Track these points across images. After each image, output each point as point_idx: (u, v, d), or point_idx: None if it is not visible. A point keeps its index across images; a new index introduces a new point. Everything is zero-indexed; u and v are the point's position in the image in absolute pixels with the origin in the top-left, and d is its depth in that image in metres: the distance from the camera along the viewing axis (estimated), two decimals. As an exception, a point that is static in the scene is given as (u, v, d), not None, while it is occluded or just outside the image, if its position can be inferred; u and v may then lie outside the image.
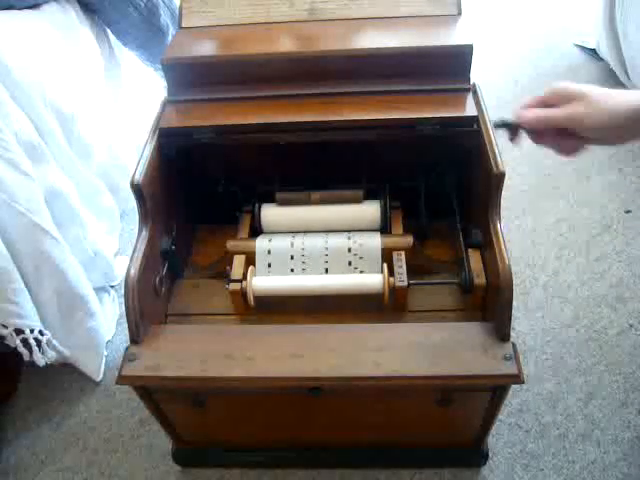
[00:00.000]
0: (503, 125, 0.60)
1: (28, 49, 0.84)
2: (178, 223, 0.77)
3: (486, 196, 0.65)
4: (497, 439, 0.84)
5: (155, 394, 0.67)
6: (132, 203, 0.70)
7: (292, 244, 0.74)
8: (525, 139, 0.60)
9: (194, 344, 0.63)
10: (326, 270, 0.73)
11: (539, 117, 0.57)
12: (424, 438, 0.79)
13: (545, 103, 0.58)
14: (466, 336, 0.61)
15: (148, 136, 0.70)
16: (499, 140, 0.65)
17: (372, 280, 0.69)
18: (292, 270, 0.73)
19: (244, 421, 0.76)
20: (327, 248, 0.73)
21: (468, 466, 0.82)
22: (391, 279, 0.68)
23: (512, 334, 0.61)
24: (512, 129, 0.59)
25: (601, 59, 1.52)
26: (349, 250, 0.73)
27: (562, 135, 0.57)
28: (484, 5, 1.81)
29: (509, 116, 0.60)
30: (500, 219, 0.64)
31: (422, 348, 0.60)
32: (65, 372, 0.96)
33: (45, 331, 0.81)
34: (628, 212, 1.15)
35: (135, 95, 1.22)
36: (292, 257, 0.73)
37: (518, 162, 1.25)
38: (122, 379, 0.61)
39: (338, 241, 0.74)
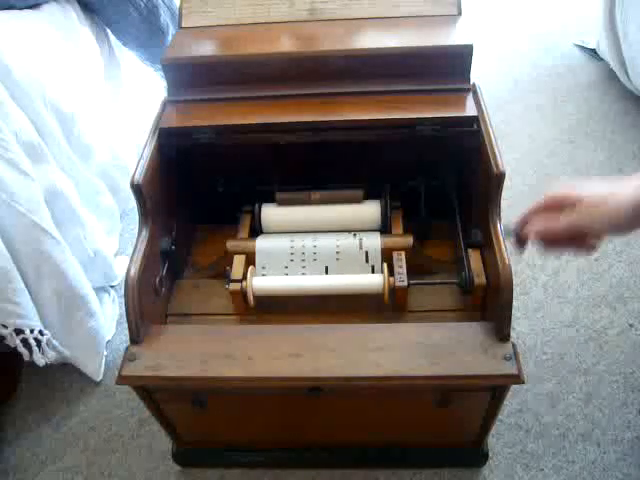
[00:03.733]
0: (507, 233, 0.60)
1: (28, 49, 0.84)
2: (178, 223, 0.77)
3: (486, 196, 0.65)
4: (497, 439, 0.84)
5: (155, 394, 0.67)
6: (132, 203, 0.70)
7: (292, 244, 0.74)
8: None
9: (194, 344, 0.63)
10: (326, 270, 0.73)
11: (544, 233, 0.56)
12: (424, 438, 0.79)
13: (546, 210, 0.57)
14: (466, 336, 0.61)
15: (148, 136, 0.70)
16: (499, 141, 0.65)
17: (372, 280, 0.69)
18: (292, 270, 0.73)
19: (244, 421, 0.76)
20: (327, 248, 0.73)
21: (468, 466, 0.82)
22: (391, 279, 0.68)
23: (512, 334, 0.61)
24: (519, 239, 0.59)
25: (601, 59, 1.52)
26: (349, 250, 0.73)
27: (572, 239, 0.56)
28: (484, 5, 1.81)
29: (514, 220, 0.60)
30: (500, 219, 0.64)
31: (422, 348, 0.60)
32: (65, 372, 0.96)
33: (45, 331, 0.81)
34: (628, 212, 1.15)
35: (135, 95, 1.22)
36: (292, 257, 0.73)
37: (518, 162, 1.25)
38: (122, 379, 0.61)
39: (338, 241, 0.74)
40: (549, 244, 0.58)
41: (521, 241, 0.59)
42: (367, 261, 0.73)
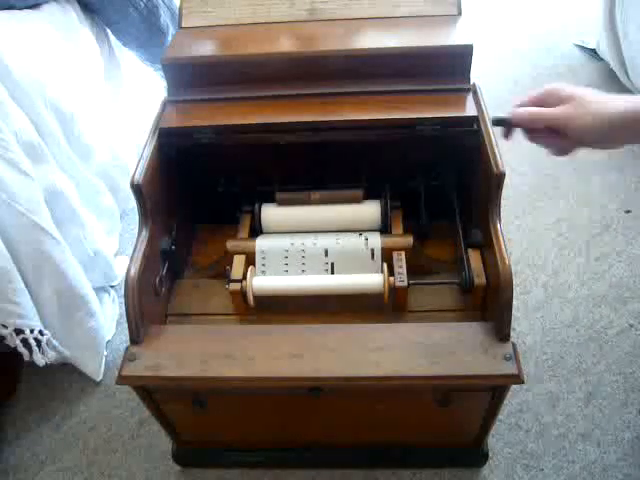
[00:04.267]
0: (498, 122, 0.62)
1: (28, 49, 0.84)
2: (178, 223, 0.77)
3: (486, 196, 0.65)
4: (497, 439, 0.84)
5: (155, 394, 0.67)
6: (132, 203, 0.70)
7: (292, 244, 0.74)
8: (519, 136, 0.62)
9: (194, 344, 0.63)
10: (326, 270, 0.73)
11: (531, 115, 0.59)
12: (424, 438, 0.79)
13: (540, 102, 0.60)
14: (466, 336, 0.61)
15: (148, 136, 0.70)
16: (499, 140, 0.65)
17: (372, 280, 0.69)
18: (292, 270, 0.73)
19: (244, 421, 0.76)
20: (327, 248, 0.73)
21: (468, 466, 0.82)
22: (391, 279, 0.68)
23: (512, 334, 0.61)
24: (507, 126, 0.61)
25: (601, 59, 1.52)
26: (349, 250, 0.73)
27: (554, 135, 0.59)
28: (484, 5, 1.81)
29: (506, 114, 0.62)
30: (500, 219, 0.64)
31: (422, 348, 0.60)
32: (65, 372, 0.96)
33: (45, 331, 0.81)
34: (628, 212, 1.15)
35: (135, 95, 1.22)
36: (292, 257, 0.73)
37: (518, 162, 1.25)
38: (122, 379, 0.61)
39: (338, 241, 0.74)
40: (532, 133, 0.61)
41: (508, 127, 0.62)
42: (366, 260, 0.73)
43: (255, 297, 0.70)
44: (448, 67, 0.71)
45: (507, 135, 0.63)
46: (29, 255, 0.78)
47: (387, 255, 0.72)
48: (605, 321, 0.97)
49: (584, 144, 0.58)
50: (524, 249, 1.10)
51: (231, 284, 0.70)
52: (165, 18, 1.11)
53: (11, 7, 0.89)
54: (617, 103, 0.54)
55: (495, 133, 0.66)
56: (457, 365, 0.59)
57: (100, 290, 1.01)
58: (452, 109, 0.70)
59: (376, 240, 0.73)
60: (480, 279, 0.68)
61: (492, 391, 0.64)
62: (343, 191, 0.78)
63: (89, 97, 0.99)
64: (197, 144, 0.70)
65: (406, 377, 0.59)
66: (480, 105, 0.69)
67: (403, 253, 0.72)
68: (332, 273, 0.73)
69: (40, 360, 0.82)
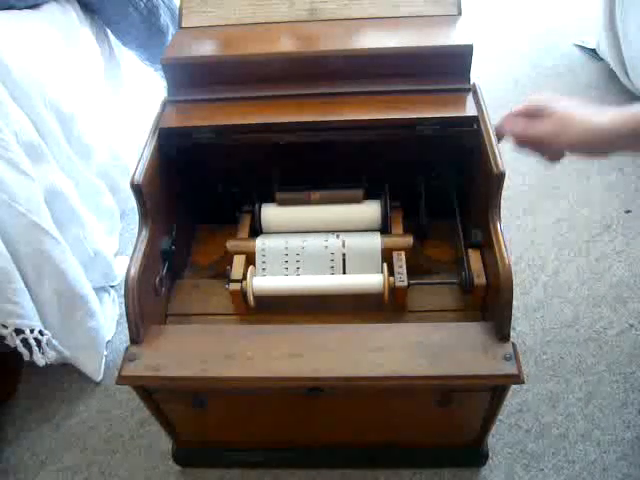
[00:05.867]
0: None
1: (28, 49, 0.84)
2: (178, 223, 0.77)
3: (486, 196, 0.65)
4: (497, 439, 0.84)
5: (155, 394, 0.67)
6: (132, 203, 0.70)
7: (292, 244, 0.74)
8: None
9: (194, 344, 0.63)
10: (326, 270, 0.73)
11: (517, 133, 0.63)
12: (424, 438, 0.79)
13: (527, 114, 0.62)
14: (466, 336, 0.61)
15: (148, 136, 0.70)
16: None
17: (372, 280, 0.69)
18: (292, 270, 0.73)
19: (244, 421, 0.76)
20: (327, 248, 0.73)
21: (468, 466, 0.82)
22: (391, 279, 0.68)
23: (512, 334, 0.61)
24: (498, 134, 0.65)
25: (601, 59, 1.52)
26: (349, 250, 0.73)
27: (542, 145, 0.62)
28: (484, 5, 1.81)
29: (498, 118, 0.66)
30: (500, 219, 0.64)
31: (422, 348, 0.60)
32: (65, 372, 0.96)
33: (45, 331, 0.81)
34: (628, 212, 1.15)
35: (135, 95, 1.22)
36: (292, 257, 0.73)
37: (518, 162, 1.25)
38: (122, 379, 0.61)
39: (338, 241, 0.74)
40: (521, 144, 0.64)
41: (499, 137, 0.65)
42: (366, 260, 0.73)
43: (255, 297, 0.70)
44: (448, 67, 0.71)
45: (497, 140, 0.65)
46: (29, 255, 0.78)
47: (387, 255, 0.72)
48: (605, 321, 0.97)
49: (574, 154, 0.60)
50: (524, 249, 1.10)
51: (231, 284, 0.70)
52: (165, 18, 1.11)
53: (11, 7, 0.88)
54: (600, 118, 0.55)
55: (495, 133, 0.66)
56: (457, 365, 0.59)
57: (100, 290, 1.01)
58: (452, 109, 0.70)
59: (376, 240, 0.73)
60: (480, 279, 0.68)
61: (492, 391, 0.64)
62: (343, 191, 0.78)
63: (89, 97, 0.99)
64: (197, 144, 0.70)
65: (406, 377, 0.59)
66: (480, 105, 0.69)
67: (403, 253, 0.72)
68: (332, 273, 0.73)
69: (40, 360, 0.82)
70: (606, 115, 0.56)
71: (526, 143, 0.63)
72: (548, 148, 0.62)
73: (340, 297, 0.71)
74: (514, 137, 0.64)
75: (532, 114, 0.62)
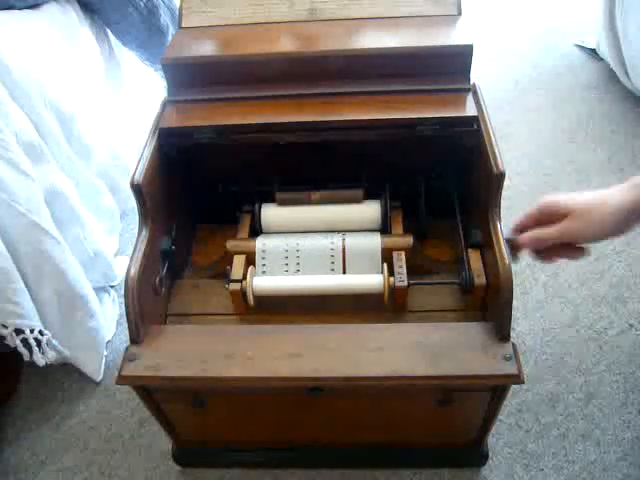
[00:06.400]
0: (506, 244, 0.62)
1: (28, 49, 0.84)
2: (178, 223, 0.77)
3: (486, 196, 0.65)
4: (497, 439, 0.84)
5: (155, 394, 0.67)
6: (132, 203, 0.70)
7: (292, 244, 0.74)
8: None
9: (194, 344, 0.63)
10: (326, 270, 0.73)
11: (537, 240, 0.60)
12: (424, 438, 0.79)
13: (537, 221, 0.61)
14: (466, 336, 0.61)
15: (148, 136, 0.70)
16: (499, 141, 0.65)
17: (372, 280, 0.69)
18: (292, 270, 0.73)
19: (244, 421, 0.76)
20: (327, 248, 0.73)
21: (468, 466, 0.82)
22: (391, 279, 0.68)
23: (512, 334, 0.61)
24: (513, 247, 0.62)
25: (601, 59, 1.52)
26: (349, 250, 0.73)
27: (563, 247, 0.60)
28: (484, 5, 1.81)
29: (510, 235, 0.64)
30: (500, 219, 0.64)
31: (422, 348, 0.60)
32: (65, 372, 0.96)
33: (45, 331, 0.81)
34: (628, 212, 1.15)
35: (135, 95, 1.22)
36: (292, 257, 0.73)
37: (518, 162, 1.25)
38: (122, 379, 0.61)
39: (338, 241, 0.74)
40: (542, 252, 0.62)
41: (515, 249, 0.62)
42: (366, 260, 0.73)
43: (255, 297, 0.70)
44: (448, 67, 0.71)
45: (515, 256, 0.63)
46: (29, 255, 0.78)
47: (387, 255, 0.72)
48: (605, 321, 0.97)
49: (598, 242, 0.60)
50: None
51: (231, 284, 0.70)
52: (165, 18, 1.11)
53: (11, 7, 0.88)
54: (613, 203, 0.56)
55: (495, 133, 0.66)
56: (457, 365, 0.59)
57: (100, 290, 1.01)
58: (452, 109, 0.70)
59: (376, 240, 0.73)
60: (480, 279, 0.68)
61: (492, 391, 0.64)
62: (343, 191, 0.78)
63: (89, 97, 0.99)
64: (197, 144, 0.70)
65: (406, 377, 0.59)
66: (480, 105, 0.69)
67: (403, 253, 0.72)
68: (332, 273, 0.73)
69: (40, 360, 0.82)
70: (620, 195, 0.56)
71: (548, 249, 0.61)
72: (572, 247, 0.61)
73: (340, 297, 0.71)
74: (534, 245, 0.61)
75: (543, 218, 0.60)
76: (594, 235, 0.58)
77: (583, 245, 0.61)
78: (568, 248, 0.61)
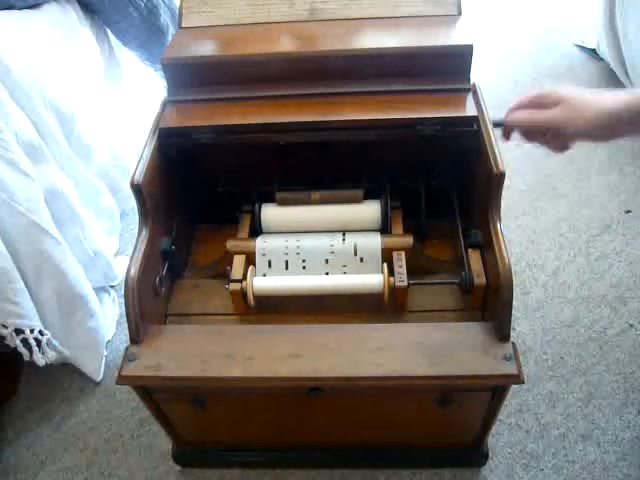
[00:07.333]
0: (495, 125, 0.64)
1: (28, 49, 0.84)
2: (178, 223, 0.77)
3: (486, 196, 0.65)
4: (497, 439, 0.84)
5: (155, 394, 0.67)
6: (132, 203, 0.70)
7: (292, 244, 0.74)
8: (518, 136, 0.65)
9: (194, 344, 0.63)
10: (326, 270, 0.73)
11: (526, 119, 0.62)
12: (424, 438, 0.79)
13: (534, 104, 0.62)
14: (466, 336, 0.61)
15: (148, 136, 0.70)
16: (499, 141, 0.65)
17: (372, 280, 0.69)
18: (292, 270, 0.73)
19: (244, 421, 0.76)
20: (327, 248, 0.73)
21: (468, 466, 0.82)
22: (391, 279, 0.68)
23: (512, 334, 0.61)
24: (504, 128, 0.64)
25: (601, 59, 1.52)
26: (349, 250, 0.73)
27: (550, 134, 0.62)
28: (484, 5, 1.81)
29: (503, 115, 0.65)
30: (500, 219, 0.64)
31: (422, 348, 0.60)
32: (65, 372, 0.96)
33: (45, 331, 0.81)
34: (628, 212, 1.15)
35: (135, 95, 1.22)
36: (292, 257, 0.73)
37: (518, 162, 1.25)
38: (122, 379, 0.61)
39: (338, 241, 0.74)
40: (529, 135, 0.64)
41: (507, 131, 0.65)
42: (366, 260, 0.73)
43: (255, 297, 0.70)
44: (448, 67, 0.71)
45: (505, 137, 0.65)
46: (29, 255, 0.78)
47: (387, 255, 0.72)
48: (605, 321, 0.97)
49: (582, 140, 0.60)
50: (524, 249, 1.10)
51: (231, 284, 0.70)
52: (165, 18, 1.11)
53: (11, 7, 0.89)
54: (611, 99, 0.56)
55: (495, 133, 0.66)
56: (457, 365, 0.59)
57: (100, 290, 1.01)
58: (452, 109, 0.70)
59: (376, 240, 0.73)
60: (480, 279, 0.68)
61: (492, 391, 0.64)
62: (343, 191, 0.78)
63: (89, 97, 0.99)
64: (197, 144, 0.70)
65: (406, 377, 0.59)
66: (480, 105, 0.69)
67: (403, 253, 0.71)
68: (332, 273, 0.73)
69: (40, 360, 0.82)
70: (614, 96, 0.56)
71: (535, 132, 0.63)
72: (557, 136, 0.62)
73: (340, 297, 0.71)
74: (522, 126, 0.63)
75: (538, 103, 0.62)
76: (577, 129, 0.58)
77: (567, 138, 0.62)
78: (552, 137, 0.62)
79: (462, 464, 0.82)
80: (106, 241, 1.02)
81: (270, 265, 0.74)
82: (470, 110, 0.69)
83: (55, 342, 0.84)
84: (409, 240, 0.73)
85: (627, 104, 0.55)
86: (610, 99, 0.56)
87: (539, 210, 1.17)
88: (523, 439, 0.84)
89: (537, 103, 0.62)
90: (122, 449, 0.88)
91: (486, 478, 0.81)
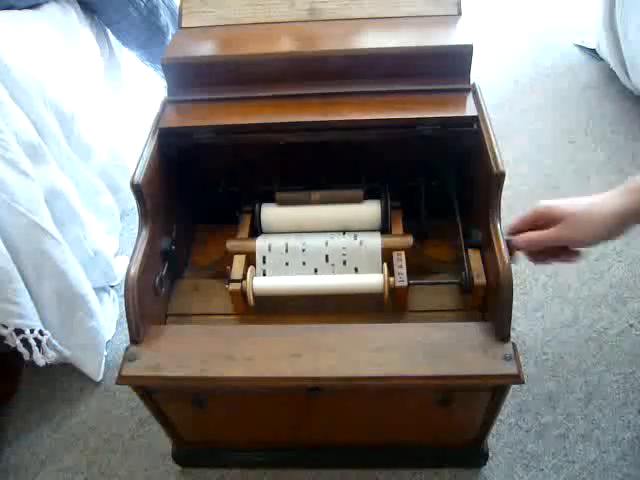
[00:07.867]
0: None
1: (28, 49, 0.84)
2: (178, 223, 0.77)
3: (486, 196, 0.65)
4: (497, 439, 0.84)
5: (155, 394, 0.67)
6: (132, 203, 0.70)
7: (292, 244, 0.74)
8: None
9: (194, 344, 0.63)
10: (326, 270, 0.73)
11: (531, 241, 0.62)
12: (424, 438, 0.79)
13: (533, 225, 0.62)
14: (466, 336, 0.61)
15: (148, 136, 0.70)
16: (499, 141, 0.65)
17: (372, 280, 0.69)
18: (292, 270, 0.73)
19: (244, 421, 0.76)
20: (327, 248, 0.73)
21: (468, 466, 0.82)
22: (391, 279, 0.68)
23: (512, 334, 0.61)
24: (509, 249, 0.62)
25: (601, 59, 1.52)
26: (349, 250, 0.73)
27: (558, 250, 0.62)
28: (484, 5, 1.81)
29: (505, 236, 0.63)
30: (500, 219, 0.64)
31: (422, 348, 0.60)
32: (65, 372, 0.96)
33: (45, 331, 0.81)
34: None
35: (135, 95, 1.22)
36: (292, 257, 0.73)
37: (518, 162, 1.25)
38: (122, 379, 0.61)
39: (338, 241, 0.74)
40: (536, 255, 0.64)
41: (511, 250, 0.63)
42: (366, 260, 0.73)
43: (255, 297, 0.70)
44: (448, 67, 0.71)
45: (511, 257, 0.63)
46: (29, 255, 0.78)
47: (387, 255, 0.72)
48: (605, 321, 0.97)
49: (592, 246, 0.61)
50: (524, 249, 1.10)
51: (231, 284, 0.70)
52: (165, 18, 1.11)
53: (11, 7, 0.89)
54: (610, 206, 0.57)
55: (495, 133, 0.66)
56: (457, 365, 0.59)
57: (100, 290, 1.01)
58: (452, 109, 0.70)
59: (376, 240, 0.73)
60: (480, 279, 0.68)
61: (492, 391, 0.64)
62: (343, 191, 0.78)
63: (89, 97, 0.99)
64: (197, 144, 0.70)
65: (406, 377, 0.59)
66: (480, 105, 0.69)
67: (403, 253, 0.72)
68: (332, 273, 0.73)
69: (40, 360, 0.82)
70: (612, 200, 0.57)
71: (542, 252, 0.63)
72: (566, 251, 0.62)
73: (340, 297, 0.71)
74: (529, 248, 0.63)
75: (538, 222, 0.62)
76: (586, 240, 0.59)
77: (578, 249, 0.62)
78: (564, 251, 0.62)
79: (462, 464, 0.82)
80: (106, 241, 1.02)
81: (270, 265, 0.74)
82: (470, 110, 0.69)
83: (55, 342, 0.84)
84: (409, 240, 0.73)
85: (626, 208, 0.57)
86: (609, 206, 0.57)
87: (539, 210, 1.17)
88: (523, 439, 0.84)
89: (533, 223, 0.62)
90: (122, 449, 0.88)
91: (486, 478, 0.81)
